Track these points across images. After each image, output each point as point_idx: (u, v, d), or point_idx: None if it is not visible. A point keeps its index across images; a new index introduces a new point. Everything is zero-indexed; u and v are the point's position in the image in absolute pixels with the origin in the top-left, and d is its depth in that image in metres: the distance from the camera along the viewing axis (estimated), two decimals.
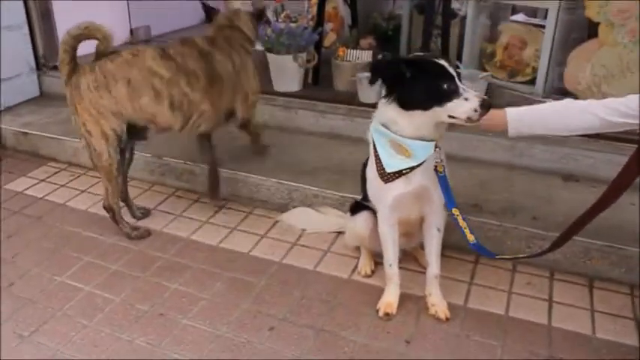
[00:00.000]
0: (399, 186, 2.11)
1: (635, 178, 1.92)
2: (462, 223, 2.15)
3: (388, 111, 2.03)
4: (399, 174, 2.07)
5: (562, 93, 3.33)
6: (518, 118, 2.07)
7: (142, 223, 2.94)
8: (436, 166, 2.10)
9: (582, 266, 2.52)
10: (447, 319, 2.24)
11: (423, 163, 2.05)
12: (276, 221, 2.94)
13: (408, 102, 1.98)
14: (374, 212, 2.35)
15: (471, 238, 2.16)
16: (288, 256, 2.68)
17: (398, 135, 2.03)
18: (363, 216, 2.40)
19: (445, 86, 1.94)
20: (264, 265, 2.60)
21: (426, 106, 1.96)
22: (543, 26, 3.45)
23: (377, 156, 2.11)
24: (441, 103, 1.95)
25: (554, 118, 2.04)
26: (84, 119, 2.59)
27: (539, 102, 3.32)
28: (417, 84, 1.96)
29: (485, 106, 1.94)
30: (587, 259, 2.52)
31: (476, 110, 1.93)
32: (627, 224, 2.62)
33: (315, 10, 3.78)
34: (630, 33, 3.12)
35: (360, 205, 2.44)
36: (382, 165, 2.09)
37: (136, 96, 2.60)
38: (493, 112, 2.05)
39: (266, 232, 2.87)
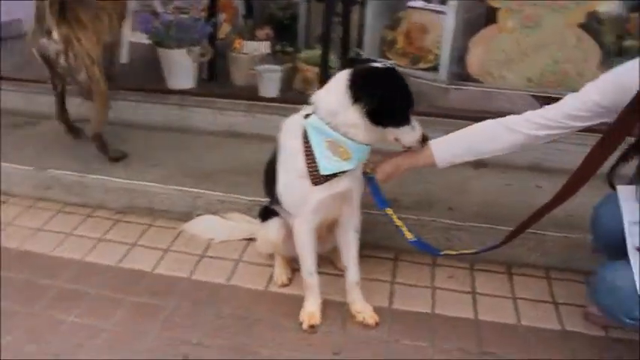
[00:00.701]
0: (325, 188, 1.96)
1: (597, 169, 1.89)
2: (397, 222, 2.12)
3: (349, 114, 1.88)
4: (332, 176, 1.94)
5: (465, 79, 3.34)
6: (445, 149, 2.06)
7: (27, 247, 2.61)
8: (364, 168, 2.03)
9: (501, 254, 2.49)
10: (377, 323, 2.14)
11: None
12: (180, 232, 2.71)
13: (376, 115, 1.89)
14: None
15: (409, 235, 2.13)
16: (197, 271, 2.46)
17: (347, 137, 1.91)
18: (275, 222, 2.24)
19: (408, 111, 1.97)
20: (171, 284, 2.37)
21: (386, 124, 1.93)
22: (442, 12, 3.43)
23: (309, 156, 1.93)
24: (399, 126, 1.95)
25: (480, 142, 2.05)
26: (87, 48, 2.78)
27: (444, 89, 3.35)
28: (391, 102, 1.90)
29: (424, 140, 2.03)
30: (506, 247, 2.48)
31: (417, 141, 2.01)
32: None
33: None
34: (527, 18, 3.16)
35: (270, 211, 2.27)
36: (316, 166, 1.92)
37: (113, 22, 3.02)
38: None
39: (170, 246, 2.63)
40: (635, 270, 1.71)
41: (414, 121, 1.99)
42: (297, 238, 2.10)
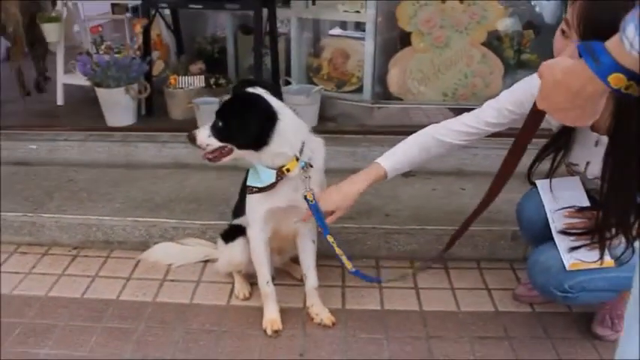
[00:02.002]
0: (268, 202, 2.16)
1: (514, 170, 2.04)
2: (337, 250, 2.22)
3: None
4: (256, 189, 2.11)
5: (387, 97, 3.66)
6: (391, 164, 2.18)
7: None
8: (306, 196, 2.13)
9: (436, 252, 2.74)
10: (334, 323, 2.34)
11: (273, 185, 2.09)
12: (139, 261, 2.81)
13: None
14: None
15: (349, 265, 2.24)
16: (161, 294, 2.58)
17: None
18: (241, 243, 2.40)
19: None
20: (137, 308, 2.48)
21: None
22: (360, 38, 3.75)
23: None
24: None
25: (417, 155, 2.20)
26: (14, 12, 4.11)
27: (370, 108, 3.65)
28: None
29: (189, 138, 2.15)
30: (439, 245, 2.77)
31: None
32: (465, 207, 2.94)
33: (140, 39, 3.69)
34: (436, 40, 3.53)
35: (235, 231, 2.44)
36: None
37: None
38: (369, 169, 2.20)
39: (131, 274, 2.73)
40: (560, 249, 1.98)
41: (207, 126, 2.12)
42: (253, 248, 2.28)
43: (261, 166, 2.08)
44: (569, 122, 1.15)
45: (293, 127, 2.07)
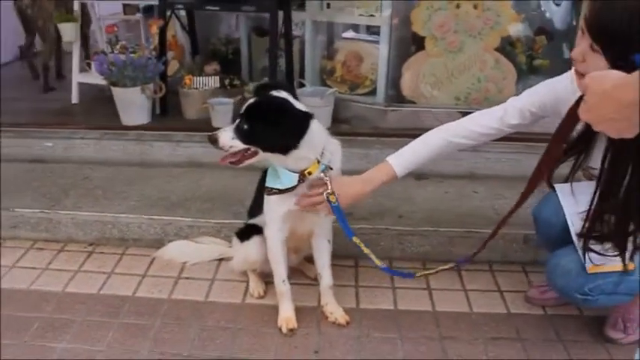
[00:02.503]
0: (287, 202, 2.18)
1: (551, 170, 2.08)
2: (365, 250, 2.25)
3: None
4: (277, 191, 2.13)
5: (400, 100, 3.68)
6: (402, 163, 2.18)
7: (3, 285, 2.66)
8: (328, 197, 2.13)
9: (448, 253, 2.79)
10: (348, 322, 2.36)
11: (292, 188, 2.10)
12: (154, 258, 2.84)
13: None
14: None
15: (378, 262, 2.27)
16: (176, 291, 2.61)
17: None
18: (256, 241, 2.42)
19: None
20: (153, 305, 2.51)
21: None
22: (374, 41, 3.78)
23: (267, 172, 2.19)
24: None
25: (430, 155, 2.20)
26: (45, 5, 4.62)
27: (383, 111, 3.68)
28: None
29: (210, 140, 2.11)
30: (452, 247, 2.81)
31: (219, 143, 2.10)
32: (476, 210, 2.98)
33: (156, 39, 3.72)
34: (450, 44, 3.55)
35: (251, 230, 2.46)
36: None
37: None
38: (381, 166, 2.20)
39: (146, 271, 2.76)
40: (579, 252, 1.99)
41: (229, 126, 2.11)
42: (270, 247, 2.31)
43: (282, 168, 2.10)
44: (614, 133, 1.15)
45: (318, 131, 2.09)
